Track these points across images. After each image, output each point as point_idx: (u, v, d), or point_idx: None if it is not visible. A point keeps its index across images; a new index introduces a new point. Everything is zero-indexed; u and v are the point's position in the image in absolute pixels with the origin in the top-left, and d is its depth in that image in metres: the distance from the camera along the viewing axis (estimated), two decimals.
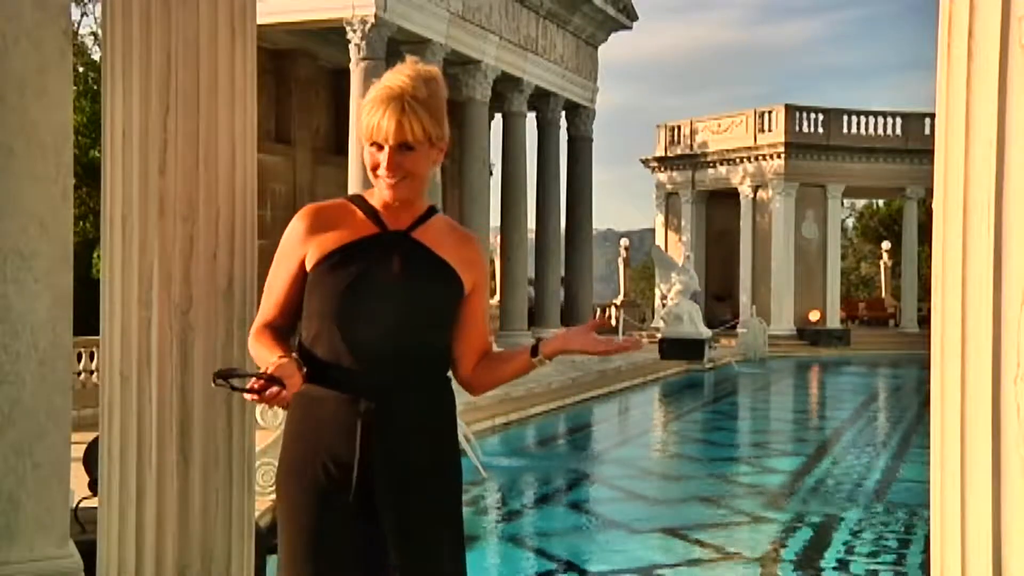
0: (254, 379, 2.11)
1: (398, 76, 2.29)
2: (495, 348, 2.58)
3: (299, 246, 2.34)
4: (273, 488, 2.44)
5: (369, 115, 2.28)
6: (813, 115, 32.05)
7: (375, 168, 2.30)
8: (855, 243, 48.77)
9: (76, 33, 21.30)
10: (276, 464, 2.43)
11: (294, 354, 2.24)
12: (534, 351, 2.42)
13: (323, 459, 2.28)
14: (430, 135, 2.30)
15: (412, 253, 2.34)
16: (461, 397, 2.54)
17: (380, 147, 2.28)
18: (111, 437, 2.91)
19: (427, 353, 2.35)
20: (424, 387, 2.34)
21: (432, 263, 2.35)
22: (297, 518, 2.31)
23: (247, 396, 2.13)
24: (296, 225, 2.36)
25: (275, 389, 2.10)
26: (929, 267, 2.15)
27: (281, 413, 2.39)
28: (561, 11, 21.40)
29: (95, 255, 16.08)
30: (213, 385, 2.16)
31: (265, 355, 2.27)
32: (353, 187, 14.29)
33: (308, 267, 2.33)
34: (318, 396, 2.27)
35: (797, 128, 31.59)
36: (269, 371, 2.13)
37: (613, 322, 30.12)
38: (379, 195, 2.36)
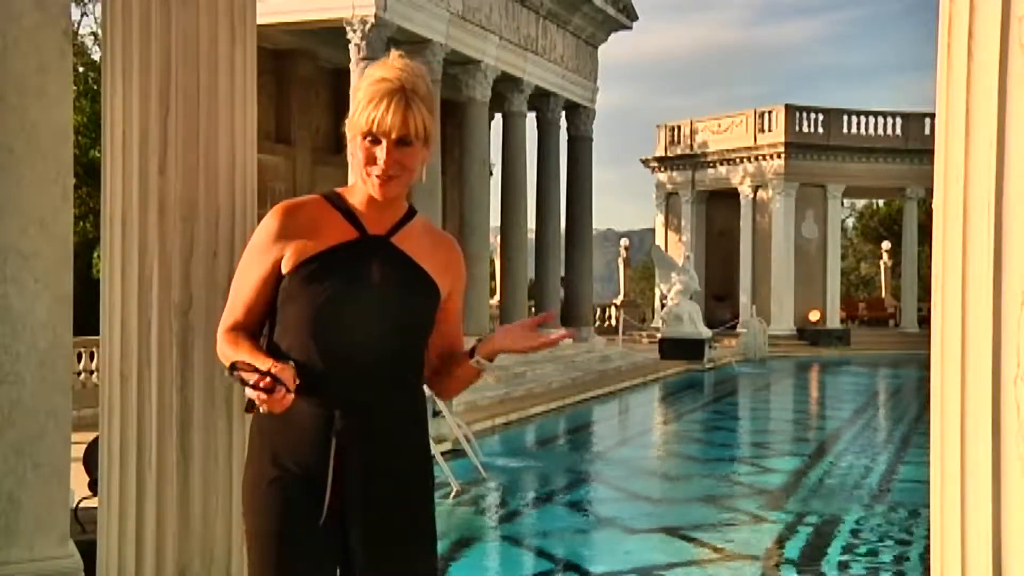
0: (263, 376, 2.04)
1: (392, 69, 2.19)
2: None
3: (272, 246, 2.24)
4: None
5: (367, 109, 2.17)
6: (813, 115, 32.05)
7: (370, 163, 2.20)
8: (855, 243, 48.77)
9: (76, 33, 21.30)
10: None
11: (291, 362, 2.15)
12: (472, 353, 2.35)
13: (296, 471, 2.23)
14: (428, 132, 2.22)
15: (391, 261, 2.26)
16: (462, 396, 2.52)
17: (376, 141, 2.19)
18: (111, 437, 2.91)
19: (405, 361, 2.30)
20: (401, 393, 2.29)
21: (411, 271, 2.28)
22: (268, 527, 2.25)
23: (254, 394, 2.05)
24: (269, 224, 2.26)
25: (282, 391, 2.05)
26: (929, 267, 2.15)
27: None
28: (561, 11, 21.39)
29: (95, 255, 16.07)
30: (228, 375, 2.11)
31: (232, 354, 2.20)
32: None
33: (284, 270, 2.23)
34: (293, 408, 2.15)
35: (797, 128, 31.60)
36: (274, 371, 2.06)
37: (613, 322, 30.12)
38: (363, 192, 2.26)
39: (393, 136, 2.18)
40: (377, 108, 2.16)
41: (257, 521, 2.27)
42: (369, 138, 2.19)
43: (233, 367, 2.09)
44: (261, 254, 2.26)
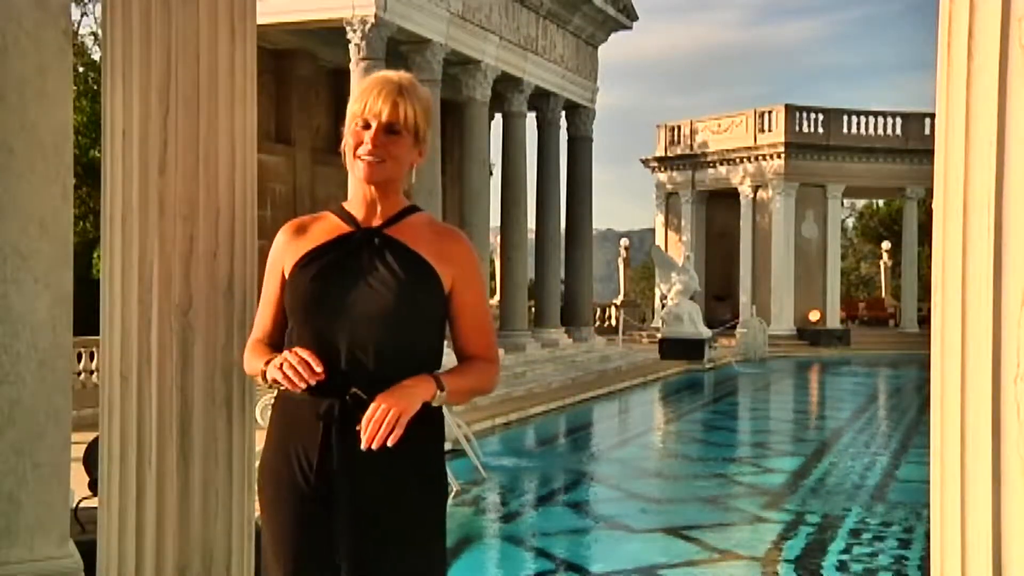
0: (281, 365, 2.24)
1: (394, 72, 2.36)
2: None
3: (280, 258, 2.39)
4: None
5: (361, 98, 2.31)
6: (813, 115, 32.03)
7: (358, 146, 2.30)
8: (855, 243, 48.76)
9: (76, 33, 21.30)
10: None
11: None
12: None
13: (297, 458, 2.28)
14: (418, 127, 2.32)
15: (384, 249, 2.30)
16: None
17: (367, 126, 2.30)
18: (111, 437, 2.91)
19: (406, 350, 2.26)
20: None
21: (405, 258, 2.29)
22: (273, 516, 2.33)
23: (279, 375, 2.22)
24: (278, 239, 2.42)
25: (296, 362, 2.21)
26: (929, 267, 2.15)
27: None
28: (561, 11, 21.38)
29: (95, 255, 16.08)
30: (267, 384, 2.31)
31: (256, 363, 2.38)
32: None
33: (286, 275, 2.37)
34: (294, 396, 2.25)
35: (797, 128, 31.58)
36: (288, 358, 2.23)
37: (613, 322, 30.12)
38: (359, 194, 2.37)
39: (383, 119, 2.29)
40: (369, 95, 2.30)
41: (265, 505, 2.38)
42: (361, 123, 2.31)
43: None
44: (273, 267, 2.42)
